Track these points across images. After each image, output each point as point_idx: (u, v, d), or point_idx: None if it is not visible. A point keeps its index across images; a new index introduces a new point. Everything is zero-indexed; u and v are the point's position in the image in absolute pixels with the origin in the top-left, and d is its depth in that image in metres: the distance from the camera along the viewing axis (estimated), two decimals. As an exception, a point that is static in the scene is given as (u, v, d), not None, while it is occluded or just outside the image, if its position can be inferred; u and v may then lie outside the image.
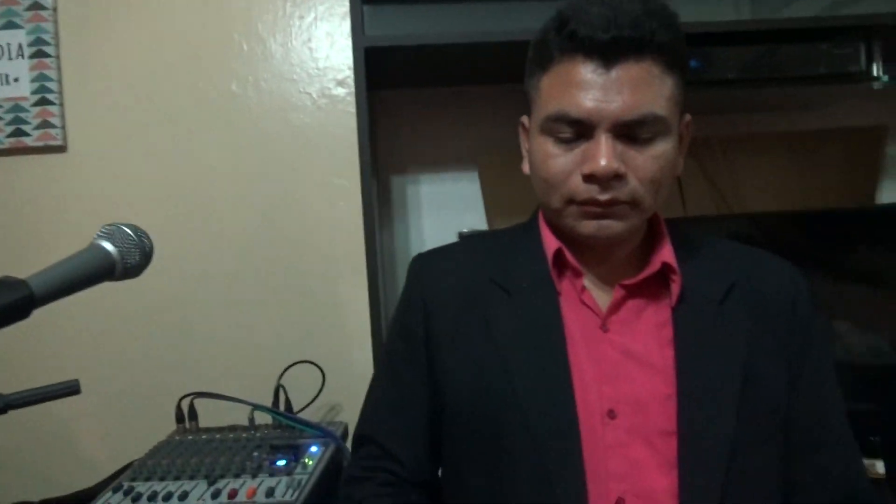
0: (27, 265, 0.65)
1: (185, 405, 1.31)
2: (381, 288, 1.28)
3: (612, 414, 0.73)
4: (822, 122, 1.50)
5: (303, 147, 1.49)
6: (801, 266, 1.29)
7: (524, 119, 0.82)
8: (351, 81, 1.45)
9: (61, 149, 1.47)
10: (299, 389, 1.43)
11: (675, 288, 0.76)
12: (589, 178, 0.71)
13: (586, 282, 0.78)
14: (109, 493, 1.10)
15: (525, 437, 0.72)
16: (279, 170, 1.49)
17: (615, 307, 0.76)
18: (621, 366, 0.74)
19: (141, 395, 1.50)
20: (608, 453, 0.72)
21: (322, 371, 1.41)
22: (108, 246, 0.62)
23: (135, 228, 0.66)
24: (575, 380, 0.73)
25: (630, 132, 0.71)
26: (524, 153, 0.83)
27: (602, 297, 0.78)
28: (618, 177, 0.71)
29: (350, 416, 1.17)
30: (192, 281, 1.49)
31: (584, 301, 0.77)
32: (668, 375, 0.73)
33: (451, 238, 1.35)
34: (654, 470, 0.71)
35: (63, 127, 1.47)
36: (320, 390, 1.41)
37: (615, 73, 0.69)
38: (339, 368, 1.40)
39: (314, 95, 1.50)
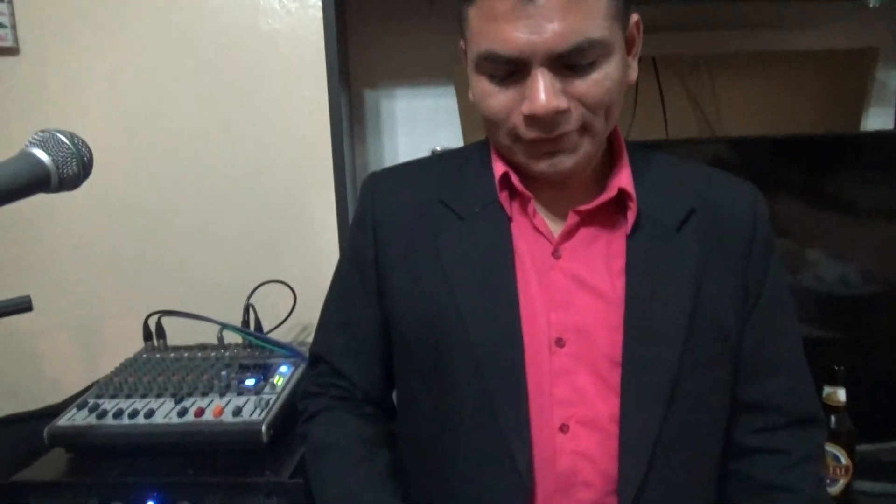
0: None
1: (152, 323, 1.29)
2: (352, 206, 1.24)
3: (560, 342, 0.72)
4: (812, 42, 1.45)
5: (271, 55, 1.41)
6: (779, 193, 1.27)
7: (462, 45, 0.74)
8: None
9: (13, 51, 1.38)
10: (270, 309, 1.42)
11: (631, 216, 0.73)
12: (530, 119, 0.67)
13: (538, 206, 0.75)
14: (74, 410, 1.08)
15: (470, 366, 0.71)
16: (244, 78, 1.41)
17: (568, 234, 0.74)
18: (571, 293, 0.72)
19: (107, 313, 1.47)
20: (554, 380, 0.71)
21: (293, 291, 1.39)
22: (41, 154, 0.57)
23: (71, 136, 0.61)
24: (523, 307, 0.71)
25: (568, 61, 0.65)
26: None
27: (555, 223, 0.75)
28: (561, 112, 0.66)
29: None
30: (154, 195, 1.44)
31: (537, 227, 0.74)
32: (618, 305, 0.72)
33: (426, 155, 1.30)
34: (598, 397, 0.71)
35: (13, 27, 1.37)
36: (292, 310, 1.40)
37: None
38: (310, 288, 1.37)
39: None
